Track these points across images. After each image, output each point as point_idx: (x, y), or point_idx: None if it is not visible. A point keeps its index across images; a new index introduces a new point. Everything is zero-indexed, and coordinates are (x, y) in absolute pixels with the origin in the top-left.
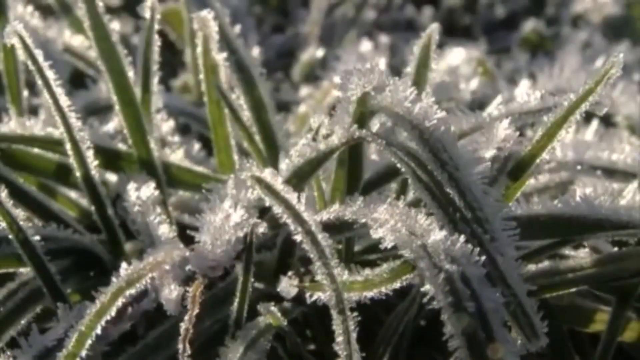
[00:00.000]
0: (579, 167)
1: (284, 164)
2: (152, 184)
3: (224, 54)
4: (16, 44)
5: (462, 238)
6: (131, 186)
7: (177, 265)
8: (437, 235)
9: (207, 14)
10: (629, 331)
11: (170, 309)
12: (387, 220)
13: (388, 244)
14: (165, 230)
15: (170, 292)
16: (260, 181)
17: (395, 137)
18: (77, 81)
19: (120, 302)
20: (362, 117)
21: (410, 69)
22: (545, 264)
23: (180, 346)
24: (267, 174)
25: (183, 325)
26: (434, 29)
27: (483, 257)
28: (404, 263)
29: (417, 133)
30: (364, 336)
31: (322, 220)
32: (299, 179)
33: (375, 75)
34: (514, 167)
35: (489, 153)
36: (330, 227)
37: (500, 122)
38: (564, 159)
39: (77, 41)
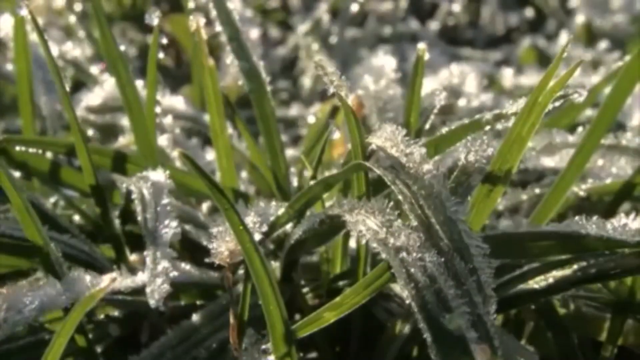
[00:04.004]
0: None
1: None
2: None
3: (237, 63)
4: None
5: (434, 252)
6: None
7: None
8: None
9: (199, 20)
10: (630, 336)
11: (153, 302)
12: (364, 221)
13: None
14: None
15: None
16: (184, 156)
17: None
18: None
19: None
20: (364, 148)
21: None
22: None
23: (231, 339)
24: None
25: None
26: (422, 48)
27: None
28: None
29: (410, 175)
30: (366, 341)
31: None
32: (307, 202)
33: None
34: (485, 178)
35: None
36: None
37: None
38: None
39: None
